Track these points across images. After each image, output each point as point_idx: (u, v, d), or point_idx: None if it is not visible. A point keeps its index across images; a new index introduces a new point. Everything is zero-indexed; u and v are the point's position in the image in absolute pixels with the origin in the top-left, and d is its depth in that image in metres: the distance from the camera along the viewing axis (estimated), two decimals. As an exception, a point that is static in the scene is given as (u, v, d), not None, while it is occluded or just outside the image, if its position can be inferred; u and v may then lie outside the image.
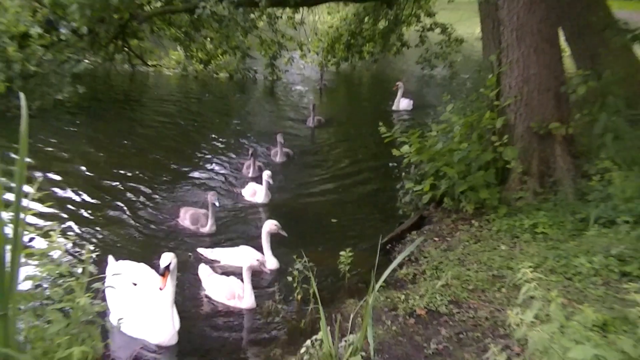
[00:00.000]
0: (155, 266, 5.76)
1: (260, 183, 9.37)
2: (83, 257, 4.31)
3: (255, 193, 9.35)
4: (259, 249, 7.28)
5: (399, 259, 5.22)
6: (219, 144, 12.56)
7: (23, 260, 4.23)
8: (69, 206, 8.91)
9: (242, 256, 7.15)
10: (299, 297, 6.33)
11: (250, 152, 10.55)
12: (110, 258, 6.47)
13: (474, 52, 21.99)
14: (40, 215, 7.92)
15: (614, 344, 3.44)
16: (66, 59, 13.95)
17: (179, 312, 5.87)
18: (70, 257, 6.36)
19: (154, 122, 14.70)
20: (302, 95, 18.17)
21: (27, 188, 4.65)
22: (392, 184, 9.24)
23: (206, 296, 6.59)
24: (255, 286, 6.44)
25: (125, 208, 8.94)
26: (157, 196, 9.49)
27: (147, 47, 19.29)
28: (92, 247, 4.54)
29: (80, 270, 4.25)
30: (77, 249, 7.14)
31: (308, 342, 4.97)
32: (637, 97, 11.49)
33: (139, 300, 5.75)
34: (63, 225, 7.98)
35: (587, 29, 11.32)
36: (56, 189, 9.46)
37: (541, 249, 6.53)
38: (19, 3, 13.24)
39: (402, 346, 5.07)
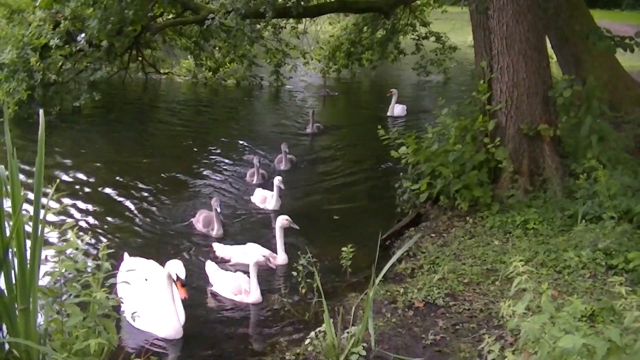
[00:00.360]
0: (163, 263, 5.69)
1: (265, 189, 9.17)
2: (99, 254, 4.28)
3: (265, 199, 9.00)
4: (268, 247, 7.23)
5: (398, 254, 5.22)
6: (227, 150, 12.36)
7: (43, 257, 4.22)
8: (86, 206, 8.89)
9: (250, 253, 7.10)
10: (303, 291, 6.28)
11: (254, 160, 10.17)
12: (126, 255, 6.44)
13: (466, 59, 21.94)
14: (58, 214, 7.89)
15: (601, 334, 3.42)
16: (84, 68, 13.95)
17: (187, 307, 5.80)
18: (87, 254, 6.32)
19: (166, 126, 14.66)
20: (305, 101, 18.14)
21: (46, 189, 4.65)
22: (390, 183, 9.19)
23: (213, 292, 6.53)
24: (261, 281, 6.38)
25: (138, 208, 8.91)
26: (166, 198, 9.41)
27: (160, 56, 19.27)
28: (107, 243, 4.49)
29: (96, 266, 4.23)
30: (94, 246, 7.12)
31: (312, 333, 4.95)
32: (619, 101, 11.49)
33: (147, 295, 5.69)
34: (81, 224, 7.96)
35: (571, 37, 11.30)
36: (74, 189, 9.45)
37: (532, 244, 6.51)
38: (40, 16, 13.24)
39: (401, 337, 5.05)
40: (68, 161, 11.14)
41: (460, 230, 7.27)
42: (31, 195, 5.09)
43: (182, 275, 5.35)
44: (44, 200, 4.21)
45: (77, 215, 8.43)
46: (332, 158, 12.16)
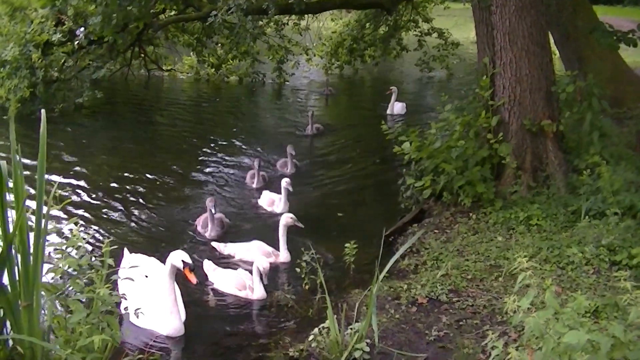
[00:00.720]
0: (163, 261, 5.67)
1: (266, 191, 9.03)
2: (101, 251, 4.28)
3: (273, 202, 8.72)
4: (271, 244, 7.21)
5: (401, 250, 5.21)
6: (229, 149, 12.24)
7: (46, 254, 4.23)
8: (88, 202, 8.90)
9: (254, 251, 7.08)
10: (307, 287, 6.28)
11: (254, 162, 9.74)
12: (126, 251, 6.42)
13: (469, 55, 21.88)
14: (60, 211, 7.88)
15: (605, 330, 3.42)
16: (86, 66, 13.94)
17: (188, 304, 5.79)
18: (89, 250, 6.31)
19: (168, 123, 14.67)
20: (307, 99, 18.09)
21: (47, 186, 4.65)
22: (393, 180, 9.16)
23: (213, 289, 6.47)
24: (265, 278, 6.37)
25: (139, 205, 8.90)
26: (167, 196, 9.36)
27: (162, 53, 19.23)
28: (109, 240, 4.47)
29: (99, 262, 4.23)
30: (94, 244, 7.10)
31: (316, 330, 4.95)
32: (622, 97, 11.47)
33: (148, 291, 5.67)
34: (82, 221, 7.94)
35: (574, 33, 11.29)
36: (76, 187, 9.44)
37: (535, 240, 6.50)
38: (43, 13, 13.23)
39: (404, 333, 5.05)
40: (70, 158, 11.12)
41: (463, 226, 7.26)
42: (33, 192, 5.08)
43: (189, 261, 5.34)
44: (46, 198, 4.22)
45: (78, 211, 8.39)
46: (334, 157, 12.09)
